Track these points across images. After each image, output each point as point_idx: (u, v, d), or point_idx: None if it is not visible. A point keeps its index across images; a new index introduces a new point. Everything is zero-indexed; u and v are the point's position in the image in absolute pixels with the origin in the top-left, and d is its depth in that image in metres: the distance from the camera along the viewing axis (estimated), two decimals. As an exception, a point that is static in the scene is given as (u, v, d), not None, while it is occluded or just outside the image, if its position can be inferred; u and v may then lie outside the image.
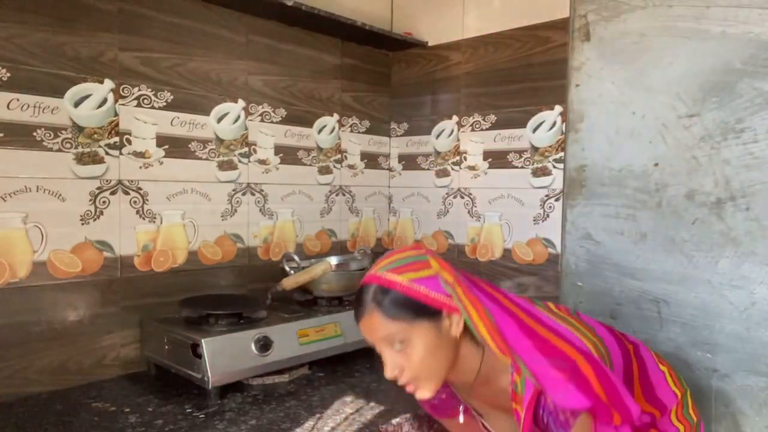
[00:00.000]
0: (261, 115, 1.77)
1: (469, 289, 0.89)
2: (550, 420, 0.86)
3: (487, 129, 1.86)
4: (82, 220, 1.40)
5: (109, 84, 1.44)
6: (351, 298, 1.72)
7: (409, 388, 0.92)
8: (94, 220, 1.43)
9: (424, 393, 0.92)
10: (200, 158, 1.63)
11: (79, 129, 1.39)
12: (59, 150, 1.36)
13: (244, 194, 1.73)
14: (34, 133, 1.33)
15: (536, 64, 1.72)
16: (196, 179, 1.62)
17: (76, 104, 1.38)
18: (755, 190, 1.32)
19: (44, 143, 1.34)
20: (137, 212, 1.50)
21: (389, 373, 0.91)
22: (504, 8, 1.80)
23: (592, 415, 0.85)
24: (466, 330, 0.92)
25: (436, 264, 0.90)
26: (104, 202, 1.44)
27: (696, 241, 1.40)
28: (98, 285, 1.43)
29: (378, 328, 0.90)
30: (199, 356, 1.28)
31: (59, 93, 1.36)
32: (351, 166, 2.06)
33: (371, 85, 2.10)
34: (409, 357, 0.90)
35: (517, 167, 1.78)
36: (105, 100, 1.43)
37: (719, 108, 1.36)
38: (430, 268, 0.90)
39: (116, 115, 1.46)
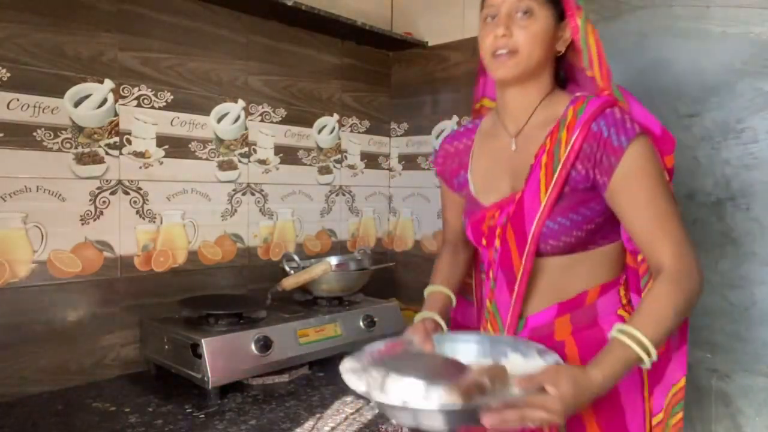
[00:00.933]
0: (261, 115, 1.77)
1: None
2: (611, 130, 0.93)
3: (487, 129, 1.86)
4: (82, 220, 1.40)
5: (109, 84, 1.44)
6: (351, 298, 1.72)
7: (503, 57, 0.98)
8: (94, 220, 1.43)
9: (504, 71, 0.99)
10: (200, 158, 1.63)
11: (79, 129, 1.39)
12: (59, 150, 1.36)
13: (244, 194, 1.74)
14: (34, 133, 1.33)
15: (536, 64, 1.71)
16: (196, 179, 1.62)
17: (76, 104, 1.38)
18: (755, 190, 1.32)
19: (44, 143, 1.34)
20: (137, 212, 1.50)
21: (501, 30, 0.97)
22: (504, 8, 1.80)
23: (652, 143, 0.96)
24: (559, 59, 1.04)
25: None
26: (104, 202, 1.44)
27: (696, 241, 1.41)
28: (98, 285, 1.43)
29: None
30: (199, 356, 1.28)
31: (59, 93, 1.36)
32: (351, 166, 2.06)
33: (371, 85, 2.10)
34: (527, 27, 0.96)
35: (517, 167, 1.78)
36: (105, 100, 1.43)
37: (719, 108, 1.36)
38: None
39: (116, 115, 1.46)
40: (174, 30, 1.56)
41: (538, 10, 0.97)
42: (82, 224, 1.41)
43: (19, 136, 1.30)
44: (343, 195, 2.04)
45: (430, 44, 2.03)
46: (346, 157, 2.04)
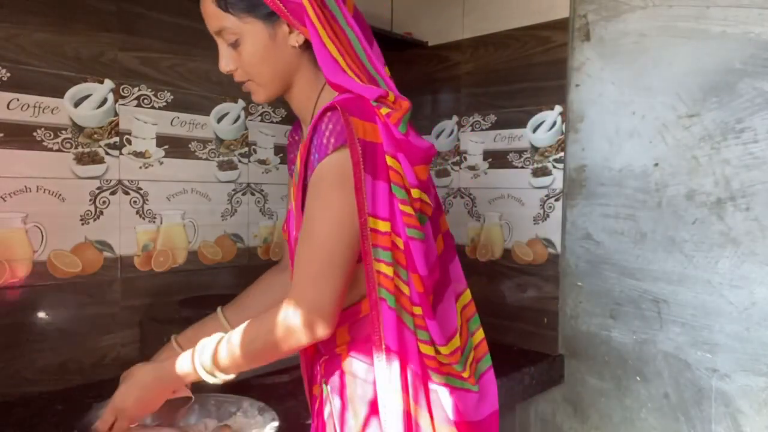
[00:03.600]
0: (261, 115, 1.77)
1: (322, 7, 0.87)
2: (314, 142, 0.85)
3: (487, 129, 1.86)
4: (82, 220, 1.40)
5: (109, 84, 1.44)
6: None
7: (245, 87, 0.96)
8: (94, 220, 1.43)
9: (256, 97, 0.95)
10: (200, 158, 1.63)
11: (79, 129, 1.39)
12: (59, 150, 1.36)
13: (244, 194, 1.74)
14: (34, 133, 1.33)
15: (536, 64, 1.72)
16: (196, 179, 1.62)
17: (76, 104, 1.38)
18: (755, 190, 1.32)
19: (44, 143, 1.34)
20: (137, 212, 1.50)
21: (223, 66, 0.93)
22: (504, 8, 1.80)
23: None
24: (310, 49, 0.91)
25: None
26: (104, 202, 1.44)
27: (696, 241, 1.41)
28: (98, 285, 1.43)
29: (211, 19, 0.93)
30: (199, 356, 1.28)
31: (59, 93, 1.36)
32: (351, 166, 2.06)
33: (371, 85, 2.10)
34: (241, 55, 0.91)
35: (517, 167, 1.78)
36: (105, 100, 1.43)
37: (719, 108, 1.36)
38: None
39: (116, 115, 1.46)
40: (174, 30, 1.56)
41: (242, 33, 0.89)
42: (82, 224, 1.41)
43: (19, 136, 1.30)
44: (343, 195, 2.03)
45: (430, 44, 2.03)
46: (346, 157, 2.03)
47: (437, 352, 0.90)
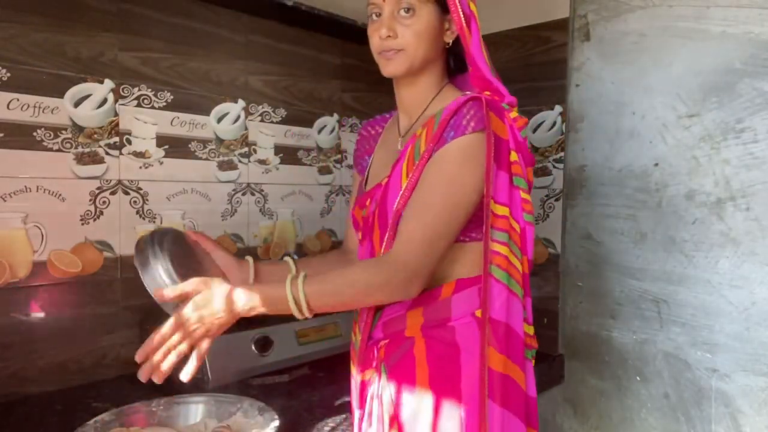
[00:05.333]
0: (261, 115, 1.77)
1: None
2: (450, 122, 0.93)
3: (487, 129, 1.86)
4: (82, 220, 1.40)
5: (109, 84, 1.44)
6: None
7: (389, 54, 0.99)
8: (94, 220, 1.43)
9: (395, 67, 1.00)
10: (200, 158, 1.63)
11: (79, 129, 1.39)
12: (59, 150, 1.36)
13: (244, 194, 1.73)
14: (34, 133, 1.33)
15: (536, 64, 1.72)
16: (196, 179, 1.62)
17: (76, 104, 1.38)
18: (755, 190, 1.32)
19: (44, 143, 1.34)
20: (137, 212, 1.50)
21: (384, 31, 0.98)
22: (504, 8, 1.80)
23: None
24: (447, 51, 1.05)
25: None
26: (104, 202, 1.44)
27: (696, 241, 1.41)
28: (98, 285, 1.43)
29: None
30: (199, 356, 1.28)
31: (59, 93, 1.36)
32: (351, 166, 2.06)
33: (371, 85, 2.10)
34: (409, 27, 0.97)
35: (517, 167, 1.78)
36: (105, 100, 1.43)
37: (719, 108, 1.36)
38: None
39: (116, 115, 1.46)
40: (174, 30, 1.56)
41: (419, 7, 0.97)
42: (82, 224, 1.41)
43: (19, 136, 1.30)
44: (344, 195, 2.03)
45: (430, 44, 2.03)
46: (346, 157, 2.03)
47: (527, 330, 1.00)
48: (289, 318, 1.49)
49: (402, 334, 0.98)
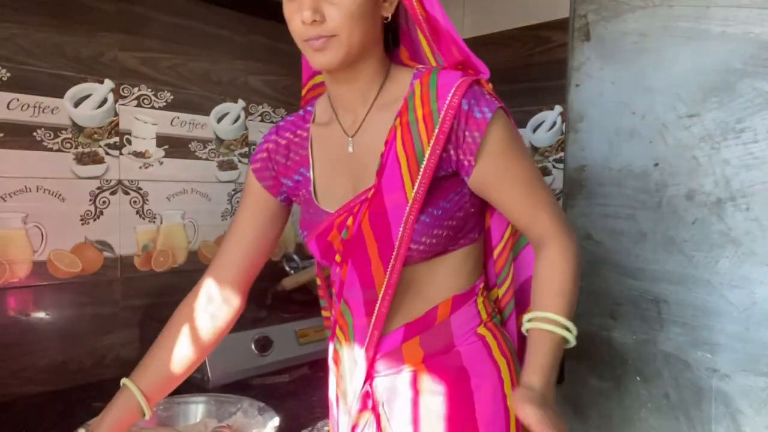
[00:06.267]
0: (261, 115, 1.77)
1: None
2: (471, 102, 0.80)
3: (487, 129, 1.86)
4: (82, 220, 1.40)
5: (109, 84, 1.44)
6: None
7: (318, 43, 0.79)
8: (94, 220, 1.43)
9: (331, 57, 0.79)
10: (200, 158, 1.63)
11: (79, 129, 1.39)
12: (59, 150, 1.36)
13: (244, 194, 1.74)
14: (34, 133, 1.33)
15: (536, 64, 1.72)
16: (196, 179, 1.62)
17: (76, 104, 1.38)
18: (755, 190, 1.31)
19: (44, 143, 1.34)
20: (137, 212, 1.50)
21: (308, 14, 0.76)
22: (504, 8, 1.80)
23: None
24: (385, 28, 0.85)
25: None
26: (104, 202, 1.44)
27: (696, 241, 1.40)
28: (98, 285, 1.43)
29: None
30: (199, 356, 1.28)
31: (59, 93, 1.36)
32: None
33: (371, 85, 2.10)
34: (340, 5, 0.77)
35: (517, 167, 1.78)
36: (105, 100, 1.43)
37: (719, 108, 1.36)
38: None
39: (116, 115, 1.46)
40: (174, 30, 1.56)
41: None
42: (82, 224, 1.41)
43: (19, 136, 1.30)
44: (343, 195, 2.04)
45: (430, 44, 2.03)
46: (346, 157, 2.04)
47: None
48: (289, 318, 1.50)
49: (401, 370, 0.86)
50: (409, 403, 0.84)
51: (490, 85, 0.88)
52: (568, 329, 0.78)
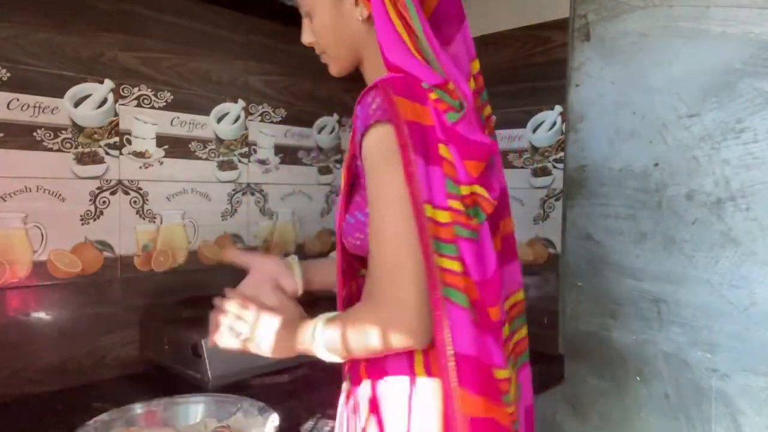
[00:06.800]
0: (261, 115, 1.77)
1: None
2: (358, 112, 0.80)
3: (487, 129, 1.86)
4: (82, 220, 1.40)
5: (109, 84, 1.44)
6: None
7: (323, 59, 0.97)
8: (94, 220, 1.43)
9: (330, 69, 0.96)
10: (200, 158, 1.63)
11: (79, 129, 1.39)
12: (59, 150, 1.36)
13: (244, 194, 1.74)
14: (34, 133, 1.33)
15: (536, 64, 1.72)
16: (196, 179, 1.62)
17: (76, 104, 1.38)
18: (755, 190, 1.32)
19: (44, 143, 1.34)
20: (137, 212, 1.50)
21: (304, 38, 0.96)
22: (504, 8, 1.80)
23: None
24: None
25: None
26: (104, 202, 1.44)
27: (696, 241, 1.41)
28: (98, 285, 1.43)
29: None
30: (199, 356, 1.28)
31: (59, 93, 1.36)
32: (351, 166, 2.06)
33: (371, 85, 2.10)
34: (315, 28, 0.93)
35: (516, 167, 1.78)
36: (105, 100, 1.43)
37: (719, 108, 1.36)
38: None
39: (116, 115, 1.46)
40: (174, 30, 1.56)
41: (313, 5, 0.91)
42: (82, 224, 1.41)
43: (19, 136, 1.30)
44: (343, 195, 2.04)
45: (430, 44, 2.03)
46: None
47: (499, 374, 0.82)
48: (289, 318, 1.49)
49: (359, 379, 0.88)
50: (368, 398, 0.87)
51: (436, 93, 0.79)
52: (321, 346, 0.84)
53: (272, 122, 1.80)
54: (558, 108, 1.67)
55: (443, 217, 0.75)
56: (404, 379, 0.82)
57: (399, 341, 0.76)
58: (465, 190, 0.77)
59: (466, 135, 0.79)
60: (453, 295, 0.74)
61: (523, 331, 0.98)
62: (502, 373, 0.79)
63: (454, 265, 0.74)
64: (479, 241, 0.79)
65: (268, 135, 1.79)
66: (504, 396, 0.79)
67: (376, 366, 0.84)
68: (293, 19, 1.77)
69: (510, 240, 0.96)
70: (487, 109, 0.97)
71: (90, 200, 1.42)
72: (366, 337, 0.78)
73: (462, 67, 0.88)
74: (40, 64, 1.33)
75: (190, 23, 1.59)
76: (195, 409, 1.13)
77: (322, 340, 0.83)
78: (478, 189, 0.79)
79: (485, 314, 0.78)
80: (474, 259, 0.76)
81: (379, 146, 0.76)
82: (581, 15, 1.62)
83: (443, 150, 0.77)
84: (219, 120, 1.67)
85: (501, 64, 1.80)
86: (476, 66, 0.93)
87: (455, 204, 0.76)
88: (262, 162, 1.78)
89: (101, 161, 1.43)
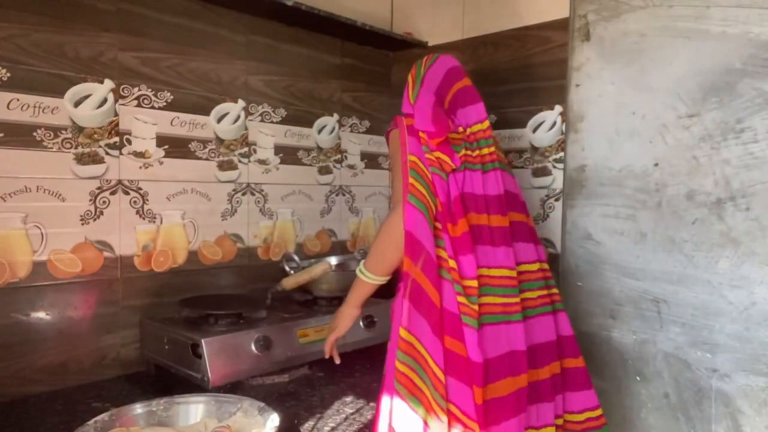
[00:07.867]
0: (261, 115, 1.77)
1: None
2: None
3: (487, 129, 1.86)
4: (82, 220, 1.40)
5: (109, 84, 1.44)
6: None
7: None
8: (94, 220, 1.43)
9: None
10: (200, 158, 1.63)
11: (79, 129, 1.39)
12: (59, 150, 1.36)
13: (244, 194, 1.74)
14: (34, 133, 1.33)
15: (536, 64, 1.72)
16: (196, 179, 1.62)
17: (76, 104, 1.39)
18: (755, 190, 1.31)
19: (44, 143, 1.34)
20: (137, 212, 1.50)
21: None
22: (504, 8, 1.80)
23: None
24: None
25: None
26: (104, 202, 1.44)
27: (696, 241, 1.40)
28: (98, 285, 1.43)
29: None
30: (199, 356, 1.28)
31: (59, 93, 1.36)
32: (351, 166, 2.06)
33: (371, 85, 2.10)
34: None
35: (517, 167, 1.78)
36: (105, 100, 1.43)
37: (719, 108, 1.36)
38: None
39: (116, 115, 1.46)
40: (174, 30, 1.56)
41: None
42: (82, 224, 1.41)
43: (19, 136, 1.30)
44: (343, 195, 2.04)
45: (430, 44, 2.03)
46: (346, 157, 2.04)
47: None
48: (289, 318, 1.50)
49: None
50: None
51: (424, 135, 1.21)
52: (364, 274, 1.22)
53: (272, 122, 1.80)
54: (558, 108, 1.67)
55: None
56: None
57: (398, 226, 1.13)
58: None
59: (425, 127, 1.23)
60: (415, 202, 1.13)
61: (536, 293, 1.22)
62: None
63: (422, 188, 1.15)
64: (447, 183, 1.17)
65: (268, 135, 1.79)
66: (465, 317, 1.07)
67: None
68: (293, 19, 1.78)
69: (521, 226, 1.25)
70: (487, 150, 1.25)
71: (90, 200, 1.42)
72: (383, 230, 1.18)
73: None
74: (40, 64, 1.33)
75: (190, 23, 1.59)
76: (195, 409, 1.13)
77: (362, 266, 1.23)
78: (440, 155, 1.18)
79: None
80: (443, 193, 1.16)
81: (395, 141, 1.26)
82: (581, 15, 1.61)
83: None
84: (219, 120, 1.67)
85: (501, 64, 1.80)
86: (486, 124, 1.26)
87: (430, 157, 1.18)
88: (262, 162, 1.78)
89: (101, 161, 1.43)
